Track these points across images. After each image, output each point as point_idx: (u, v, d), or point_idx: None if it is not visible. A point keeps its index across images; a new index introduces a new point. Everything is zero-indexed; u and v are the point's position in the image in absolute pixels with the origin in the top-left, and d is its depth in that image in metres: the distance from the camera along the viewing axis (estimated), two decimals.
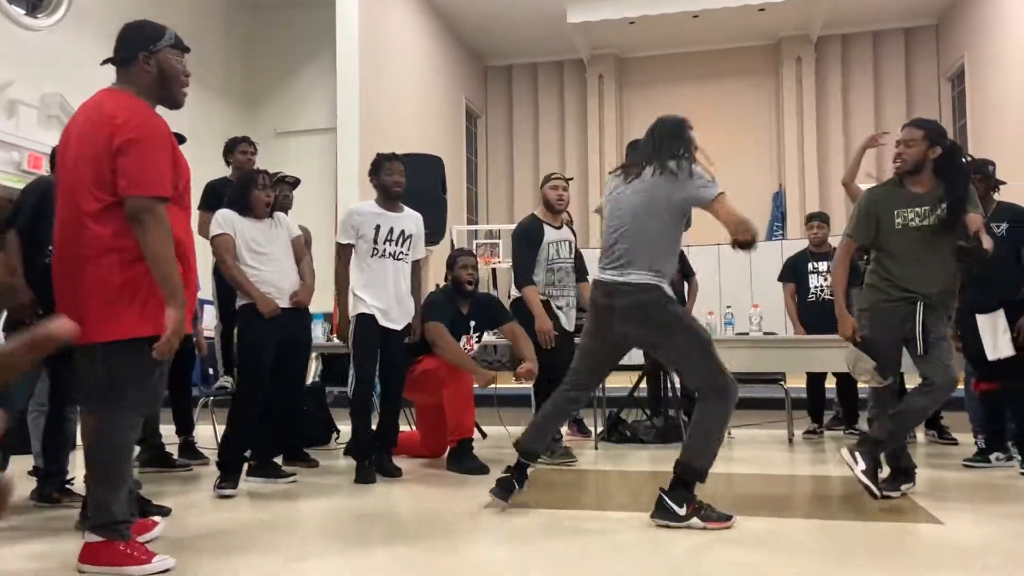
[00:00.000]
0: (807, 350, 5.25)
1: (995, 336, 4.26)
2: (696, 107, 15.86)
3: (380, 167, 4.32)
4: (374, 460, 4.20)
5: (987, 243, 3.49)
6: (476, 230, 15.57)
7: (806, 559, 2.66)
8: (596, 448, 5.20)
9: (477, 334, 4.88)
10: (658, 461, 4.79)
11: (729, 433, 5.71)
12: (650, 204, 3.20)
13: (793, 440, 5.56)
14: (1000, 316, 4.25)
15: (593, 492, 4.07)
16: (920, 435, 5.38)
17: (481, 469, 4.31)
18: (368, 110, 11.40)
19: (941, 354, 3.48)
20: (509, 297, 4.97)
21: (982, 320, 4.30)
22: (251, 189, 4.04)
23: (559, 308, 4.75)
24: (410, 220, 4.41)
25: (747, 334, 5.48)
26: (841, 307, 3.75)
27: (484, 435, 5.79)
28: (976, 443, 4.55)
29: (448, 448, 4.57)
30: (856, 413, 5.75)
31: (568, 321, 4.81)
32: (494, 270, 14.26)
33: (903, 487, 3.64)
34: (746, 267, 12.49)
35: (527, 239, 4.76)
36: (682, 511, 3.04)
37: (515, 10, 14.58)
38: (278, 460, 4.31)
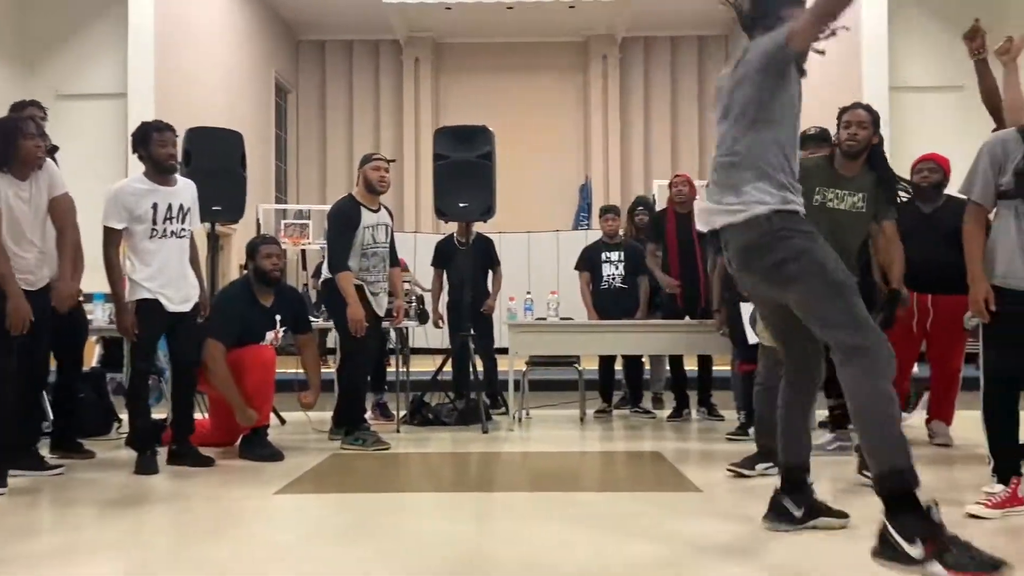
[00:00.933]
0: (599, 334, 5.58)
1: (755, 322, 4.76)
2: (509, 98, 16.26)
3: (149, 138, 3.94)
4: (155, 450, 3.98)
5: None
6: (285, 209, 15.05)
7: (599, 529, 2.86)
8: (399, 431, 5.25)
9: (284, 327, 4.71)
10: (458, 442, 4.93)
11: (527, 414, 5.97)
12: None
13: (585, 419, 5.89)
14: None
15: (392, 475, 4.11)
16: (693, 412, 5.88)
17: (275, 455, 4.23)
18: (165, 77, 10.66)
19: None
20: (320, 276, 4.84)
21: (745, 308, 4.78)
22: (16, 138, 3.48)
23: (373, 294, 4.72)
24: (187, 192, 4.10)
25: (545, 319, 5.73)
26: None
27: (283, 421, 5.66)
28: (738, 418, 5.05)
29: (241, 435, 4.43)
30: (641, 392, 6.18)
31: (379, 306, 4.80)
32: (303, 251, 13.87)
33: (759, 466, 3.65)
34: (553, 254, 12.99)
35: (344, 222, 4.65)
36: (916, 551, 2.07)
37: None
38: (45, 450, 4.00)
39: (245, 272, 4.77)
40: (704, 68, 16.84)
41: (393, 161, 5.17)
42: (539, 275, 10.98)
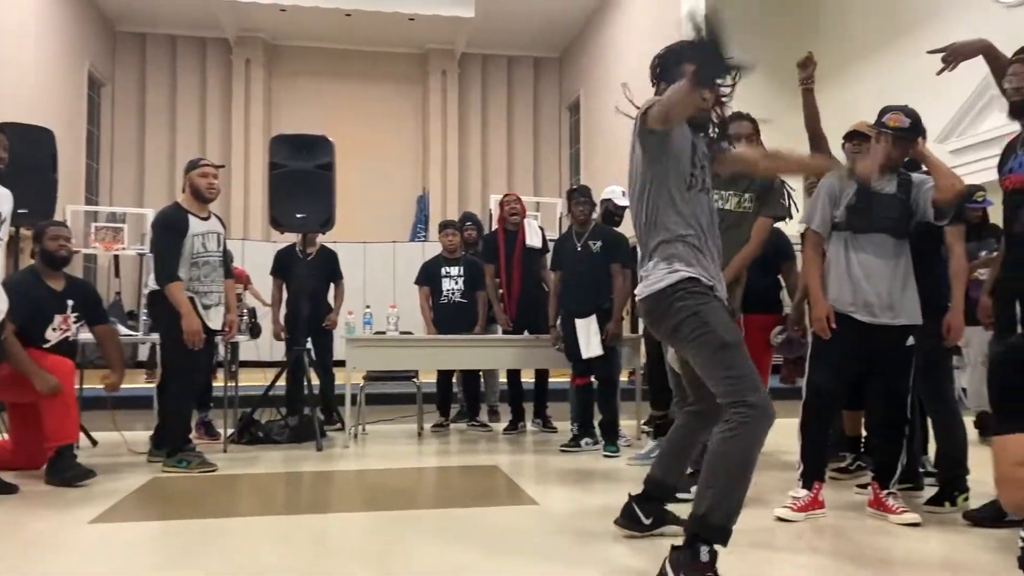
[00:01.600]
0: (438, 349, 5.59)
1: (588, 338, 4.96)
2: (346, 105, 16.02)
3: None
4: None
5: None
6: (96, 212, 13.97)
7: (431, 545, 2.85)
8: (226, 451, 5.00)
9: (76, 315, 4.39)
10: (291, 461, 4.76)
11: (363, 429, 5.87)
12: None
13: (422, 434, 5.88)
14: (593, 321, 4.96)
15: (220, 498, 3.91)
16: (528, 424, 6.02)
17: (85, 475, 3.92)
18: None
19: None
20: (146, 288, 4.55)
21: (579, 324, 4.98)
22: None
23: (205, 307, 4.47)
24: (5, 200, 3.77)
25: (385, 333, 5.67)
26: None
27: (94, 442, 5.24)
28: (572, 430, 5.23)
29: (47, 459, 4.06)
30: (478, 406, 6.26)
31: (215, 320, 4.56)
32: (116, 257, 12.92)
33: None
34: (389, 266, 12.90)
35: (170, 230, 4.41)
36: None
37: None
38: None
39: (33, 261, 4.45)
40: (539, 89, 17.37)
41: (222, 167, 4.94)
42: (376, 287, 10.83)
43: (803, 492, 3.24)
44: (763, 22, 12.47)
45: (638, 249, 2.74)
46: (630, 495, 2.94)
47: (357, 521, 3.32)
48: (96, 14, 14.65)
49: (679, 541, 2.38)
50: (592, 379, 5.11)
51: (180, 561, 2.70)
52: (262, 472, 4.50)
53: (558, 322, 5.28)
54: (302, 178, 5.35)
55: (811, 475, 3.26)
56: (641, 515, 2.88)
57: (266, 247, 11.27)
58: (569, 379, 5.34)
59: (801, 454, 3.32)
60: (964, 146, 9.11)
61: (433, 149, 16.49)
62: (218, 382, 5.78)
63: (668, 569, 2.31)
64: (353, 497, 3.98)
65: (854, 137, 3.99)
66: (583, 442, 5.07)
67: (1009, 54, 3.25)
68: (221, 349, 5.38)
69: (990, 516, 3.06)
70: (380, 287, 11.20)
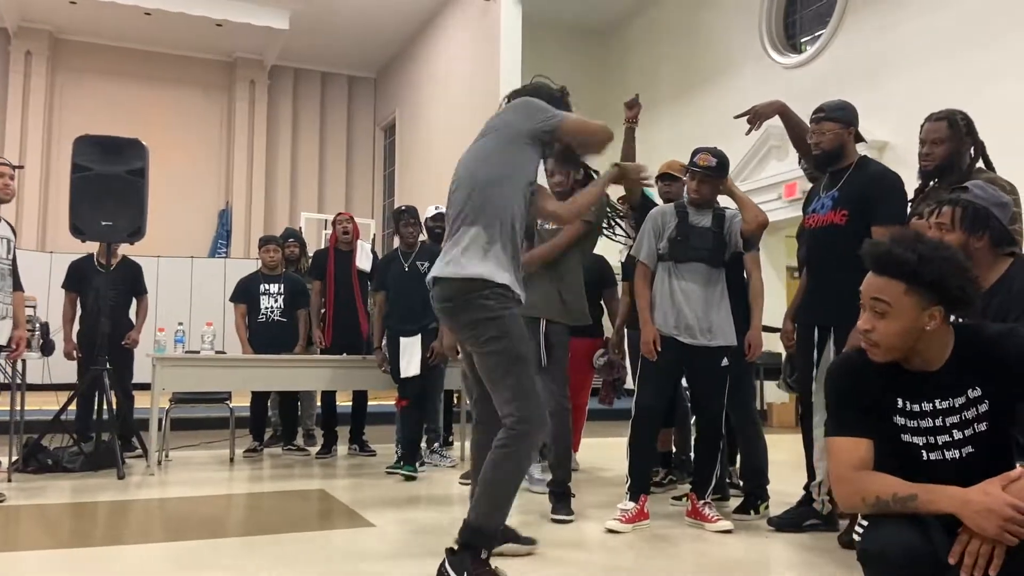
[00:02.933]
0: (255, 369, 5.34)
1: (410, 357, 4.94)
2: (143, 108, 14.96)
3: None
4: None
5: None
6: None
7: (282, 570, 2.71)
8: (10, 480, 4.47)
9: None
10: (86, 491, 4.34)
11: (167, 455, 5.47)
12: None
13: (234, 459, 5.58)
14: (417, 341, 4.96)
15: (5, 531, 3.48)
16: (343, 448, 5.89)
17: None
18: None
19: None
20: None
21: (404, 343, 4.95)
22: None
23: None
24: None
25: (199, 352, 5.34)
26: None
27: None
28: (396, 452, 5.17)
29: None
30: (295, 429, 6.04)
31: (1, 334, 4.06)
32: None
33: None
34: (186, 281, 12.16)
35: None
36: None
37: None
38: None
39: None
40: (354, 107, 17.18)
41: (21, 167, 4.47)
42: (170, 304, 10.12)
43: (631, 504, 3.43)
44: (575, 64, 13.19)
45: (445, 224, 2.74)
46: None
47: (171, 551, 3.09)
48: None
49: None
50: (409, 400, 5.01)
51: None
52: (54, 502, 4.07)
53: (383, 343, 5.23)
54: (110, 183, 4.94)
55: (637, 489, 3.46)
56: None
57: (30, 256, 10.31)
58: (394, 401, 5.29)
59: (629, 469, 3.52)
60: (748, 189, 10.12)
61: (238, 161, 15.77)
62: (0, 406, 5.16)
63: (449, 570, 2.44)
64: (152, 526, 3.70)
65: (664, 178, 4.33)
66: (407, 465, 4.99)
67: (791, 107, 3.71)
68: (6, 367, 4.81)
69: (791, 522, 3.41)
70: (176, 303, 10.50)
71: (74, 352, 5.50)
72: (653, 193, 4.59)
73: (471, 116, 12.62)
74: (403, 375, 4.96)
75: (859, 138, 3.34)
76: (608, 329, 5.18)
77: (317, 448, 5.88)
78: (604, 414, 5.73)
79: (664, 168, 4.37)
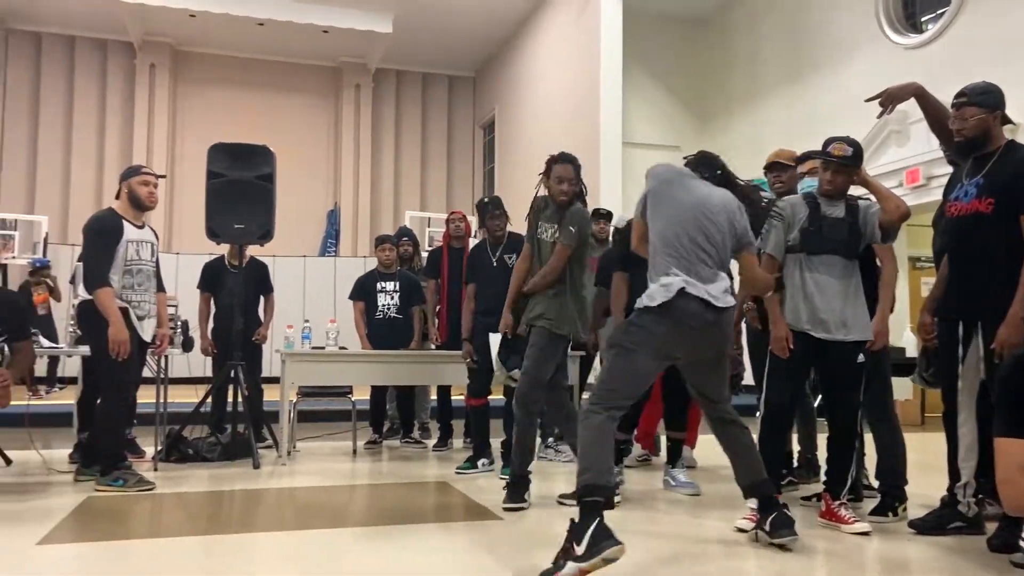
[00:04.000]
0: (374, 364, 5.52)
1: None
2: (256, 115, 15.62)
3: None
4: None
5: None
6: None
7: (422, 562, 2.81)
8: (156, 470, 4.77)
9: (2, 336, 4.14)
10: (220, 480, 4.58)
11: (295, 446, 5.72)
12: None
13: (357, 451, 5.78)
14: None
15: (160, 517, 3.73)
16: (458, 441, 5.99)
17: None
18: None
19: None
20: (76, 299, 4.33)
21: (493, 339, 4.74)
22: None
23: (139, 318, 4.27)
24: None
25: (324, 348, 5.55)
26: None
27: (8, 460, 4.91)
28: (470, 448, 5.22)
29: None
30: (412, 423, 6.20)
31: (148, 332, 4.35)
32: (5, 266, 12.12)
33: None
34: (300, 280, 12.64)
35: (103, 235, 4.23)
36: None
37: None
38: None
39: None
40: (454, 107, 17.43)
41: (163, 176, 4.76)
42: (286, 300, 10.52)
43: None
44: (677, 54, 12.99)
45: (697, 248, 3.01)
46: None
47: (301, 539, 3.23)
48: None
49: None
50: (488, 399, 4.95)
51: None
52: (195, 490, 4.32)
53: (471, 335, 5.11)
54: (241, 188, 5.20)
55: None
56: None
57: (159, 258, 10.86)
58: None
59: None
60: None
61: (345, 163, 16.26)
62: (145, 398, 5.51)
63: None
64: (284, 514, 3.87)
65: (774, 168, 4.22)
66: (480, 463, 4.91)
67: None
68: (152, 363, 5.14)
69: (934, 525, 3.27)
70: (290, 302, 10.92)
71: (209, 348, 5.82)
72: (765, 183, 4.49)
73: (571, 110, 12.62)
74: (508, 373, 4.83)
75: (1006, 120, 3.17)
76: None
77: (433, 441, 6.02)
78: None
79: (773, 157, 4.26)
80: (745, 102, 11.85)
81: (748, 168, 4.19)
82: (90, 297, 4.19)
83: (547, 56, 13.68)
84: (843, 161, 3.41)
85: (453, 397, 6.05)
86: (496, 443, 5.05)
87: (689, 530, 3.40)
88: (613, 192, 11.17)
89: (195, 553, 2.98)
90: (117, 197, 4.48)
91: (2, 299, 4.27)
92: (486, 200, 5.24)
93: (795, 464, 4.54)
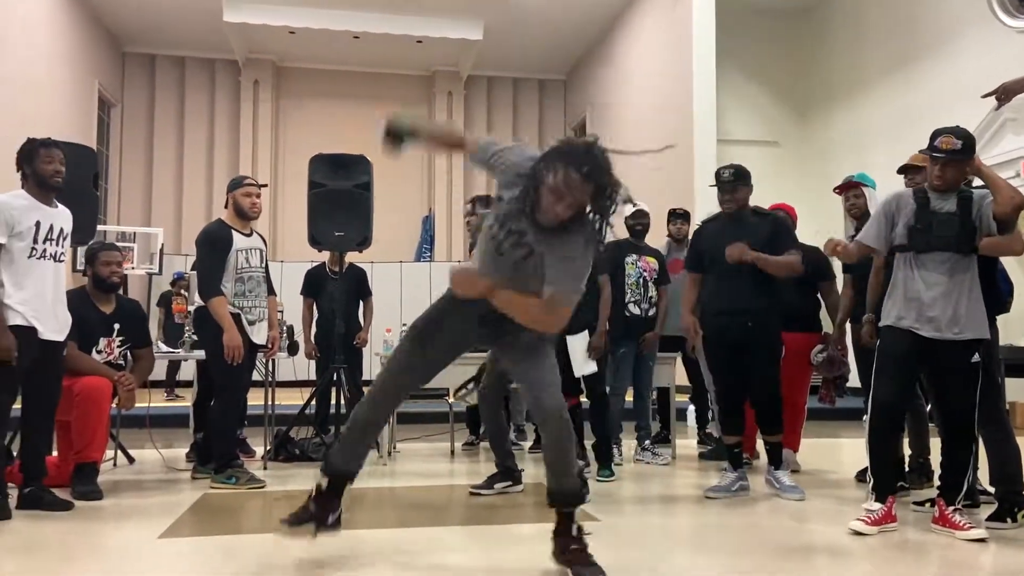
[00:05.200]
0: (469, 367, 5.59)
1: (582, 355, 4.66)
2: (353, 125, 16.03)
3: (35, 154, 3.76)
4: (6, 493, 3.56)
5: None
6: (105, 231, 13.90)
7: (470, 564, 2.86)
8: (265, 468, 4.99)
9: (121, 339, 4.43)
10: None
11: (395, 447, 5.87)
12: None
13: (455, 452, 5.88)
14: (584, 337, 4.69)
15: (272, 513, 3.90)
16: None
17: (90, 495, 3.90)
18: None
19: None
20: (191, 305, 4.59)
21: (571, 341, 4.65)
22: None
23: (250, 322, 4.49)
24: (65, 217, 3.93)
25: None
26: None
27: (131, 459, 5.23)
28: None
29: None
30: (508, 425, 6.24)
31: (259, 335, 4.57)
32: (125, 276, 12.87)
33: (497, 485, 4.25)
34: (396, 285, 12.92)
35: (214, 245, 4.45)
36: None
37: None
38: None
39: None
40: (544, 110, 17.50)
41: (265, 186, 4.98)
42: (383, 304, 10.78)
43: (876, 505, 3.26)
44: (772, 47, 12.65)
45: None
46: None
47: (402, 536, 3.31)
48: (104, 34, 14.70)
49: None
50: (580, 399, 4.86)
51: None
52: (301, 488, 4.44)
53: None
54: (340, 197, 5.38)
55: (883, 488, 3.28)
56: None
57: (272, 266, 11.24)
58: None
59: (871, 469, 3.34)
60: None
61: (439, 169, 16.55)
62: (255, 400, 5.77)
63: None
64: (385, 512, 3.97)
65: (908, 171, 4.05)
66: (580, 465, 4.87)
67: (1019, 74, 3.35)
68: (260, 366, 5.38)
69: None
70: (387, 306, 11.18)
71: (313, 352, 6.05)
72: (873, 180, 4.33)
73: (662, 109, 12.45)
74: (579, 374, 4.70)
75: None
76: (826, 324, 4.95)
77: (529, 443, 6.06)
78: (826, 413, 5.47)
79: (910, 162, 4.10)
80: (846, 94, 11.43)
81: (850, 164, 4.06)
82: (204, 304, 4.43)
83: (638, 53, 13.55)
84: (951, 155, 3.26)
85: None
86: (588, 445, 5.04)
87: (795, 536, 3.31)
88: (710, 191, 10.95)
89: (302, 548, 3.10)
90: (225, 207, 4.71)
91: (124, 308, 4.55)
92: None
93: (907, 468, 4.36)
